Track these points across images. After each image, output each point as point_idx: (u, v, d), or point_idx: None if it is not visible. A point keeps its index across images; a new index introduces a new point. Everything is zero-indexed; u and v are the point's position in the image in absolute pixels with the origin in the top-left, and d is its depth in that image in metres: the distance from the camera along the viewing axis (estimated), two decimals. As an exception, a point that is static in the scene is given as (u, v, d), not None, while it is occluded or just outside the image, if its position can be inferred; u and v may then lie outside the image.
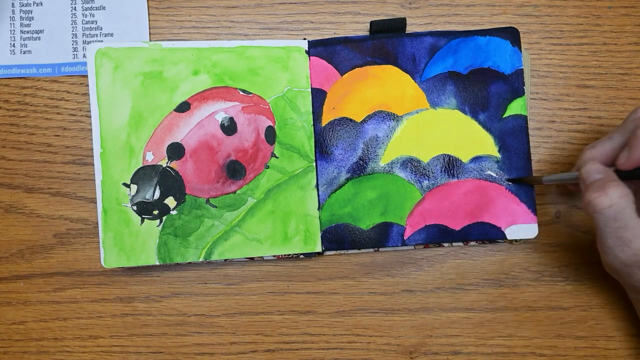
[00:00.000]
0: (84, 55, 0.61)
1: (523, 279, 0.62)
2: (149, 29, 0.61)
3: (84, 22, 0.61)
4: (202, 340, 0.61)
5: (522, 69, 0.59)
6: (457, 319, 0.61)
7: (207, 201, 0.58)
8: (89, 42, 0.61)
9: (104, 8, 0.61)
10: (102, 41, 0.61)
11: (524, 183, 0.58)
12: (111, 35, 0.61)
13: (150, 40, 0.61)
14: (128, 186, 0.57)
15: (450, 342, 0.61)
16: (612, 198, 0.46)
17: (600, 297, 0.61)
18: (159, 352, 0.61)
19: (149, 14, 0.61)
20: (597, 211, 0.47)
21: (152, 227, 0.57)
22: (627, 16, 0.62)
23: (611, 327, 0.61)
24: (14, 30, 0.61)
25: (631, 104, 0.62)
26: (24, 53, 0.61)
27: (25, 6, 0.61)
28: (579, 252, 0.62)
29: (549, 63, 0.62)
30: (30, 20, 0.61)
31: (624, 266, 0.48)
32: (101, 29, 0.61)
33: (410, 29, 0.62)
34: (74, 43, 0.61)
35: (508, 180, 0.58)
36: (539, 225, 0.60)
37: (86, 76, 0.61)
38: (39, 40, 0.61)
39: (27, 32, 0.61)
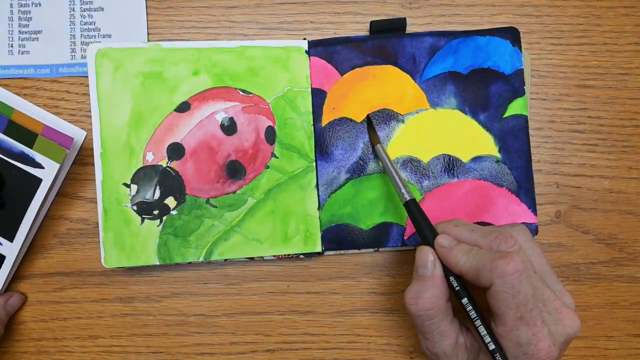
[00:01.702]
0: (82, 56, 0.61)
1: (523, 279, 0.62)
2: (147, 29, 0.61)
3: (82, 22, 0.61)
4: (202, 340, 0.61)
5: (522, 68, 0.59)
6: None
7: (207, 201, 0.58)
8: (87, 43, 0.61)
9: (102, 9, 0.61)
10: (100, 42, 0.61)
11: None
12: (109, 36, 0.61)
13: (149, 41, 0.61)
14: (128, 186, 0.57)
15: (451, 342, 0.61)
16: (421, 309, 0.48)
17: (600, 297, 0.61)
18: (159, 352, 0.61)
19: (147, 15, 0.61)
20: (409, 312, 0.49)
21: (152, 227, 0.57)
22: (627, 16, 0.62)
23: (611, 327, 0.61)
24: (12, 30, 0.61)
25: (631, 104, 0.62)
26: (22, 53, 0.61)
27: (24, 7, 0.61)
28: (579, 252, 0.62)
29: (549, 63, 0.62)
30: (28, 21, 0.61)
31: (433, 355, 0.50)
32: (99, 30, 0.61)
33: (410, 29, 0.61)
34: (72, 44, 0.61)
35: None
36: (539, 225, 0.60)
37: (86, 76, 0.60)
38: (37, 40, 0.61)
39: (26, 32, 0.61)
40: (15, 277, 0.61)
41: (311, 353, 0.61)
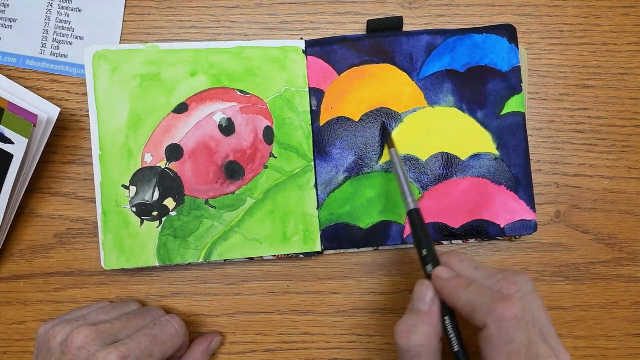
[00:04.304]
0: (52, 53, 0.61)
1: (523, 279, 0.61)
2: (121, 36, 0.61)
3: (57, 20, 0.61)
4: (202, 340, 0.61)
5: (519, 66, 0.59)
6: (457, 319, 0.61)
7: (206, 202, 0.58)
8: (59, 41, 0.61)
9: (80, 10, 0.61)
10: (71, 43, 0.61)
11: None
12: (82, 38, 0.61)
13: (125, 42, 0.61)
14: (127, 188, 0.57)
15: (450, 342, 0.61)
16: (412, 345, 0.45)
17: (600, 297, 0.61)
18: (159, 352, 0.61)
19: (123, 22, 0.61)
20: (398, 346, 0.46)
21: (152, 228, 0.58)
22: (627, 16, 0.62)
23: (611, 327, 0.61)
24: None
25: (631, 104, 0.62)
26: None
27: (3, -8, 0.61)
28: (579, 252, 0.62)
29: (549, 63, 0.62)
30: (5, 7, 0.60)
31: None
32: (73, 30, 0.61)
33: (410, 29, 0.61)
34: (44, 39, 0.61)
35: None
36: (538, 225, 0.60)
37: (60, 74, 0.61)
38: (11, 29, 0.61)
39: (0, 18, 0.61)
40: (16, 277, 0.61)
41: (311, 353, 0.61)
